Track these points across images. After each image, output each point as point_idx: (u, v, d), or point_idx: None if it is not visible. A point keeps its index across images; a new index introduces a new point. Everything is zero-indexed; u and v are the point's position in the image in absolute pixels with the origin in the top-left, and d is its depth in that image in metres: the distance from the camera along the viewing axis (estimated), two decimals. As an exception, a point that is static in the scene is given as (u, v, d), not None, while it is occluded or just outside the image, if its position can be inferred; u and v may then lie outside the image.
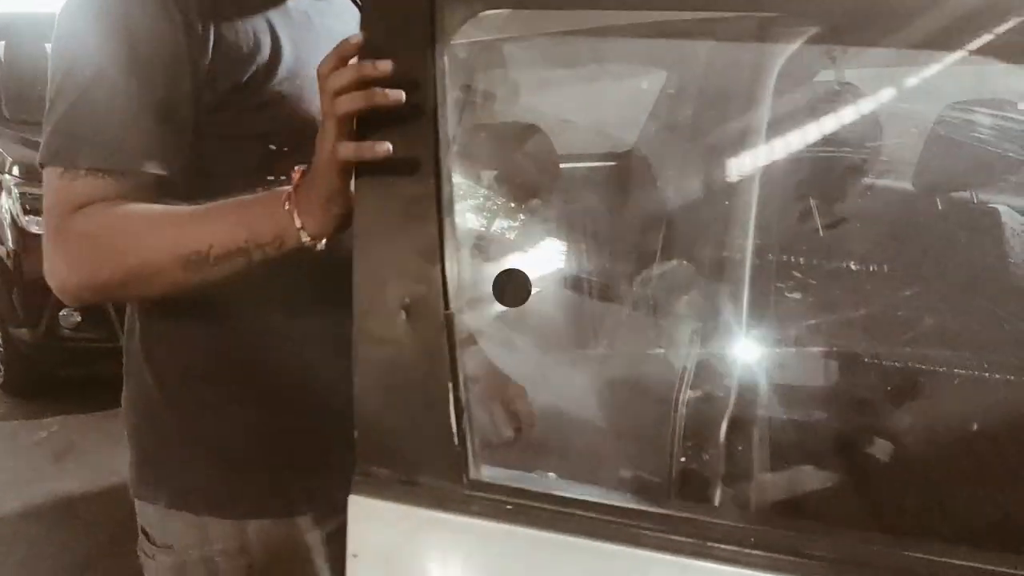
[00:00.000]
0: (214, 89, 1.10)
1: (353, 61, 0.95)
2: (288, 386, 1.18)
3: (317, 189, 0.99)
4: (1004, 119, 1.36)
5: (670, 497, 1.14)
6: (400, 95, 0.92)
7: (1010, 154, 1.34)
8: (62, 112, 1.08)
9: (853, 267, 1.28)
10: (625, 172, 1.73)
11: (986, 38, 0.95)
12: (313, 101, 1.04)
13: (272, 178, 1.09)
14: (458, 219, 0.96)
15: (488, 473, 0.92)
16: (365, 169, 0.95)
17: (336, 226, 1.01)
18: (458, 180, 0.99)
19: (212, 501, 1.19)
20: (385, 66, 0.92)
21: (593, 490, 0.98)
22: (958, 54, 1.01)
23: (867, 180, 1.46)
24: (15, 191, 4.00)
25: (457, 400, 0.91)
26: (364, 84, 0.93)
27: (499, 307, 1.04)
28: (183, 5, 1.07)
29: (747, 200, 1.31)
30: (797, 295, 1.28)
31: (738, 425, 1.15)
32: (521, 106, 1.47)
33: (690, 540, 0.85)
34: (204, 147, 1.12)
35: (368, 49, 0.94)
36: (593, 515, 0.88)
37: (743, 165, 1.39)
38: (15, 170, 4.07)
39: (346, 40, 0.95)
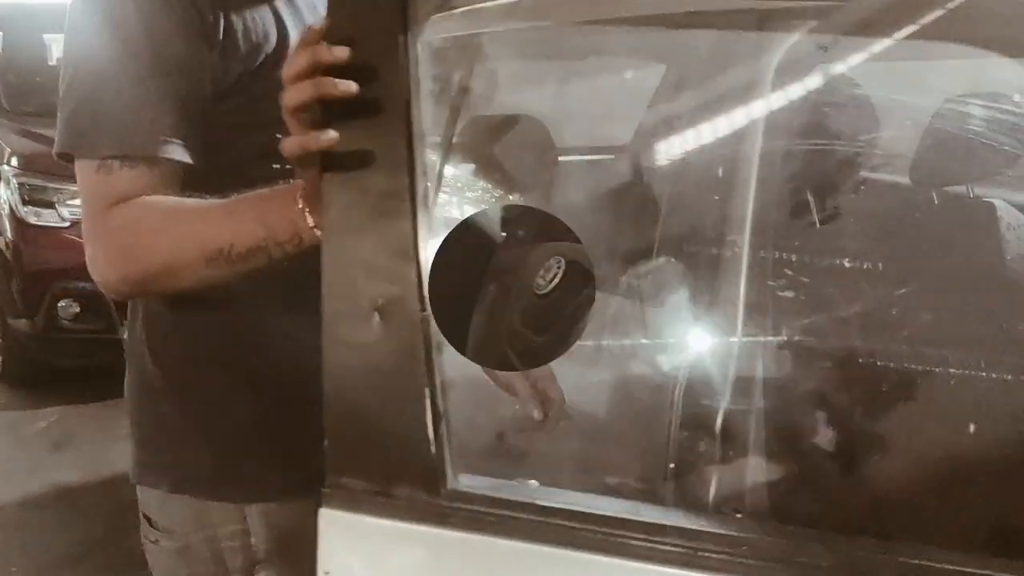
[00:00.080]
0: (223, 78, 1.12)
1: None
2: (288, 371, 1.16)
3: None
4: (1001, 112, 1.34)
5: (660, 505, 1.10)
6: (351, 86, 0.86)
7: (1006, 148, 1.32)
8: (78, 100, 1.09)
9: (847, 264, 1.26)
10: (611, 166, 1.70)
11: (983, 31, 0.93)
12: None
13: (278, 166, 1.07)
14: (435, 215, 0.92)
15: (467, 483, 0.88)
16: (333, 163, 0.90)
17: None
18: (435, 174, 0.95)
19: (213, 485, 1.21)
20: (341, 52, 0.86)
21: (579, 498, 0.94)
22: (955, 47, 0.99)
23: (863, 174, 1.43)
24: (14, 182, 4.01)
25: (434, 406, 0.87)
26: (321, 71, 0.87)
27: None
28: None
29: (737, 194, 1.28)
30: (790, 293, 1.25)
31: (731, 431, 1.12)
32: (502, 97, 1.43)
33: (680, 549, 0.80)
34: (211, 135, 1.12)
35: (334, 35, 0.88)
36: (579, 525, 0.84)
37: (727, 161, 1.36)
38: (14, 161, 4.09)
39: (310, 27, 0.89)
